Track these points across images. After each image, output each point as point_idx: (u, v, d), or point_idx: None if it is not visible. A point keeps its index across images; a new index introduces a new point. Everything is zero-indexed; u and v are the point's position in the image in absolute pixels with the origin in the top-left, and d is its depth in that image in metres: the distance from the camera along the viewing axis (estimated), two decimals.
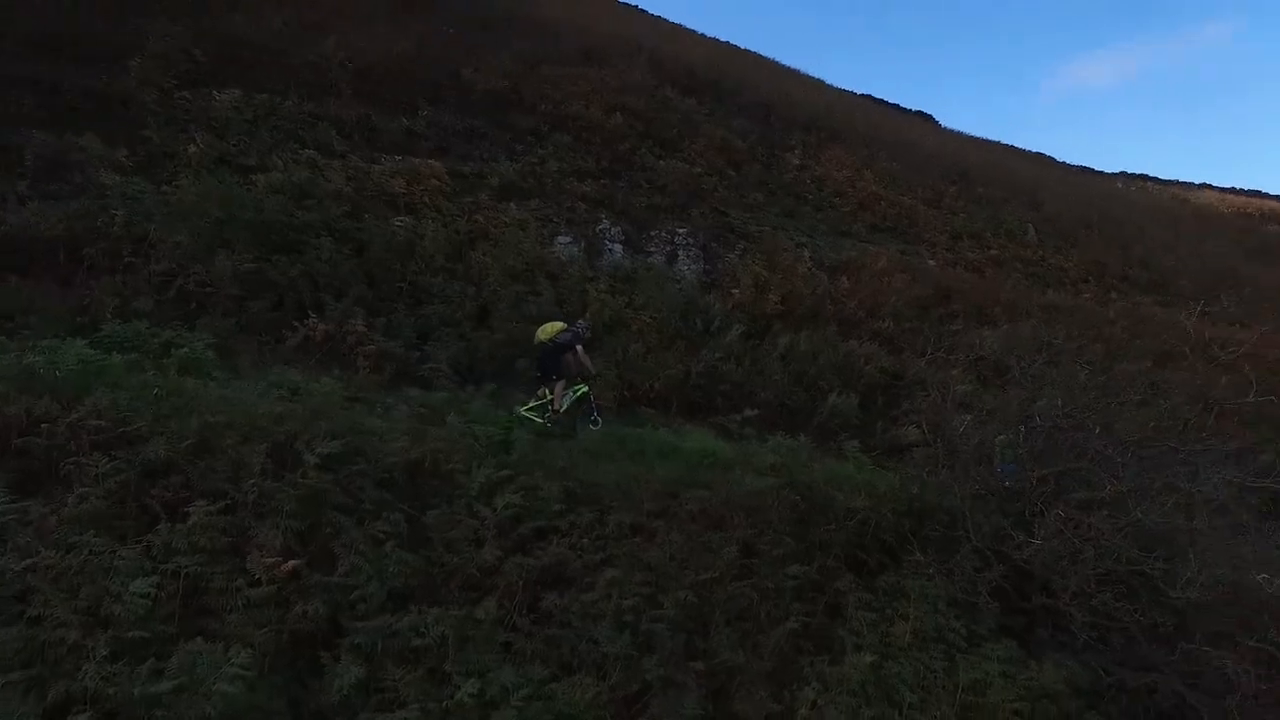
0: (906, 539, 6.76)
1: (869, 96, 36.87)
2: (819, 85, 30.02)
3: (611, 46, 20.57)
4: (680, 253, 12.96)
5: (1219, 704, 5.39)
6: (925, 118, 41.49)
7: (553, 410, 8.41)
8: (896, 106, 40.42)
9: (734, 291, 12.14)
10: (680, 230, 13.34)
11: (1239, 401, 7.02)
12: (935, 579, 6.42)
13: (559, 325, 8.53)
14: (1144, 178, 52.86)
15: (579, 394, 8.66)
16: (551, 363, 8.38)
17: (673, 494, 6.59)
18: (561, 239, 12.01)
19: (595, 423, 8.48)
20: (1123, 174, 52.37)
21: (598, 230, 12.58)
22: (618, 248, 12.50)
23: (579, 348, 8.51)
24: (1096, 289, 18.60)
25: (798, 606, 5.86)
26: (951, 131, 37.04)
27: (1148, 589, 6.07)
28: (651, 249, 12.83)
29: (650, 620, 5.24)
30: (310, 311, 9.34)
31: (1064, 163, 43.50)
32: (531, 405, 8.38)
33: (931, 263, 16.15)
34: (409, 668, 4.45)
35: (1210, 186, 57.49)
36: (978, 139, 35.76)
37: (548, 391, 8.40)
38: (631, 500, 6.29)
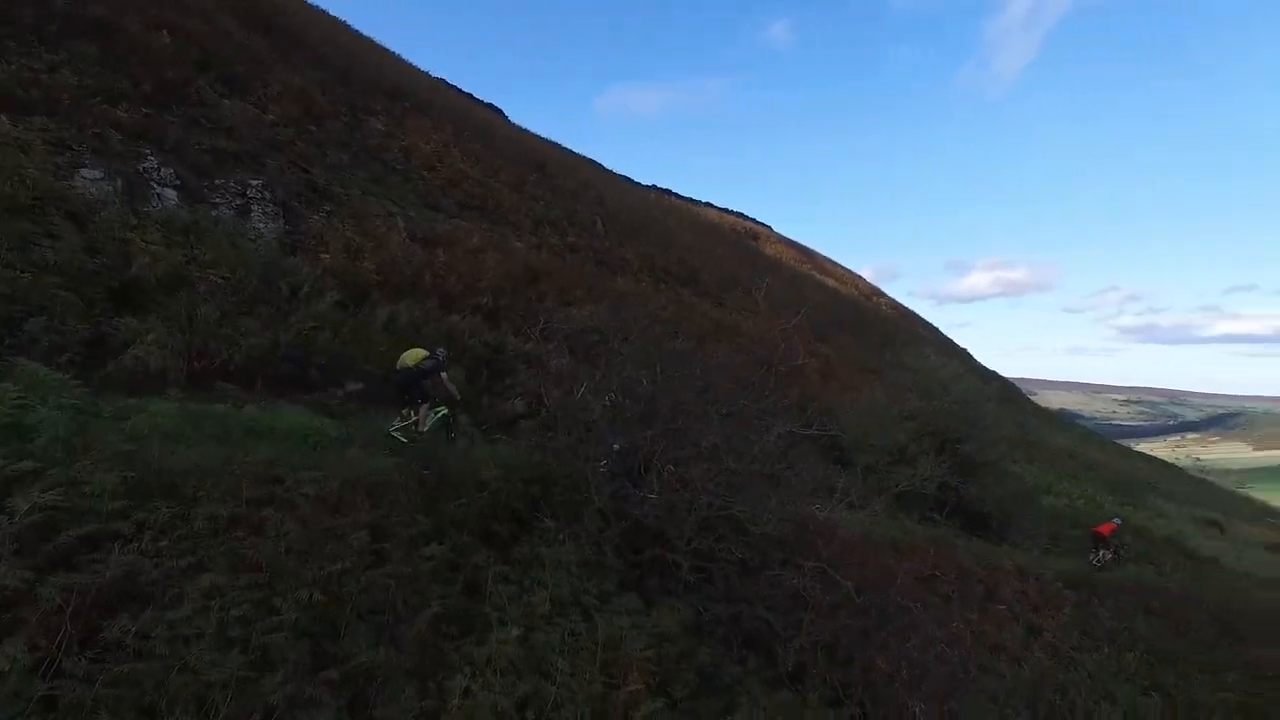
0: (536, 506, 6.69)
1: (443, 80, 36.70)
2: (396, 59, 28.78)
3: None
4: (255, 207, 11.01)
5: (794, 618, 6.39)
6: (495, 111, 42.85)
7: (417, 431, 8.57)
8: (470, 96, 40.95)
9: (323, 255, 10.76)
10: (254, 182, 11.35)
11: (791, 365, 8.47)
12: (566, 543, 6.48)
13: (422, 353, 8.73)
14: (669, 192, 63.00)
15: (440, 415, 8.96)
16: (416, 388, 8.64)
17: (277, 479, 5.46)
18: (87, 172, 9.22)
19: (454, 440, 8.87)
20: (654, 187, 61.47)
21: (142, 169, 9.96)
22: (170, 193, 10.07)
23: (443, 374, 8.83)
24: (650, 280, 21.33)
25: (436, 589, 5.33)
26: (520, 128, 38.90)
27: (737, 530, 6.94)
28: (217, 199, 10.64)
29: (266, 631, 4.20)
30: None
31: (611, 170, 49.02)
32: (398, 426, 8.49)
33: (519, 245, 16.62)
34: None
35: (712, 205, 71.02)
36: (544, 138, 38.24)
37: (412, 413, 8.64)
38: (224, 488, 5.01)
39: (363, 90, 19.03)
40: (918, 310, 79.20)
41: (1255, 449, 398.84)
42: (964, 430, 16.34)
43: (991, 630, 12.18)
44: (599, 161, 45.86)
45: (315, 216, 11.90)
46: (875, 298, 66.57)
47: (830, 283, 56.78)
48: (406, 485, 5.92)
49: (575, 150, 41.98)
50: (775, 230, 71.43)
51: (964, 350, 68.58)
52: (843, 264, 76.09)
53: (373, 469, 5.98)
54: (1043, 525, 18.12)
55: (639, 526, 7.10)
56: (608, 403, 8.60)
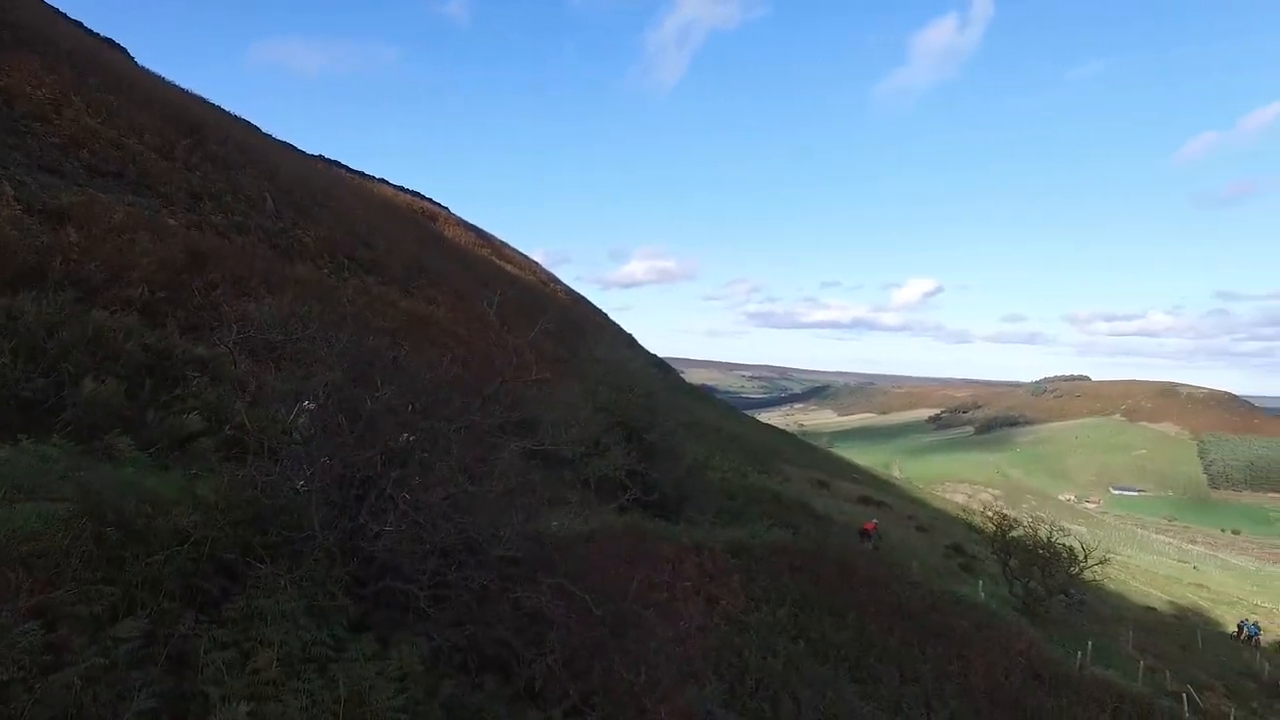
0: (250, 552, 5.81)
1: (60, 11, 29.50)
2: None
3: None
4: None
5: (535, 635, 6.44)
6: (116, 48, 35.69)
7: None
8: (79, 24, 33.50)
9: None
10: None
11: (524, 380, 8.43)
12: (288, 589, 5.73)
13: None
14: (339, 164, 58.13)
15: None
16: None
17: None
18: None
19: None
20: (321, 157, 56.33)
21: None
22: None
23: None
24: (332, 266, 19.55)
25: (137, 676, 4.36)
26: (151, 73, 32.94)
27: (476, 554, 6.77)
28: None
29: None
30: None
31: (270, 135, 43.91)
32: None
33: (174, 223, 14.05)
34: None
35: (387, 182, 67.35)
36: (196, 95, 32.76)
37: None
38: None
39: None
40: (588, 295, 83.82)
41: (839, 415, 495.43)
42: (648, 420, 17.83)
43: (680, 605, 13.55)
44: (254, 124, 40.51)
45: None
46: (551, 284, 68.96)
47: (510, 269, 57.43)
48: (80, 547, 4.74)
49: (229, 110, 36.50)
50: (453, 212, 70.02)
51: (630, 335, 74.43)
52: (519, 249, 77.43)
53: (25, 530, 4.68)
54: (711, 500, 20.52)
55: (367, 559, 6.57)
56: (315, 420, 7.80)
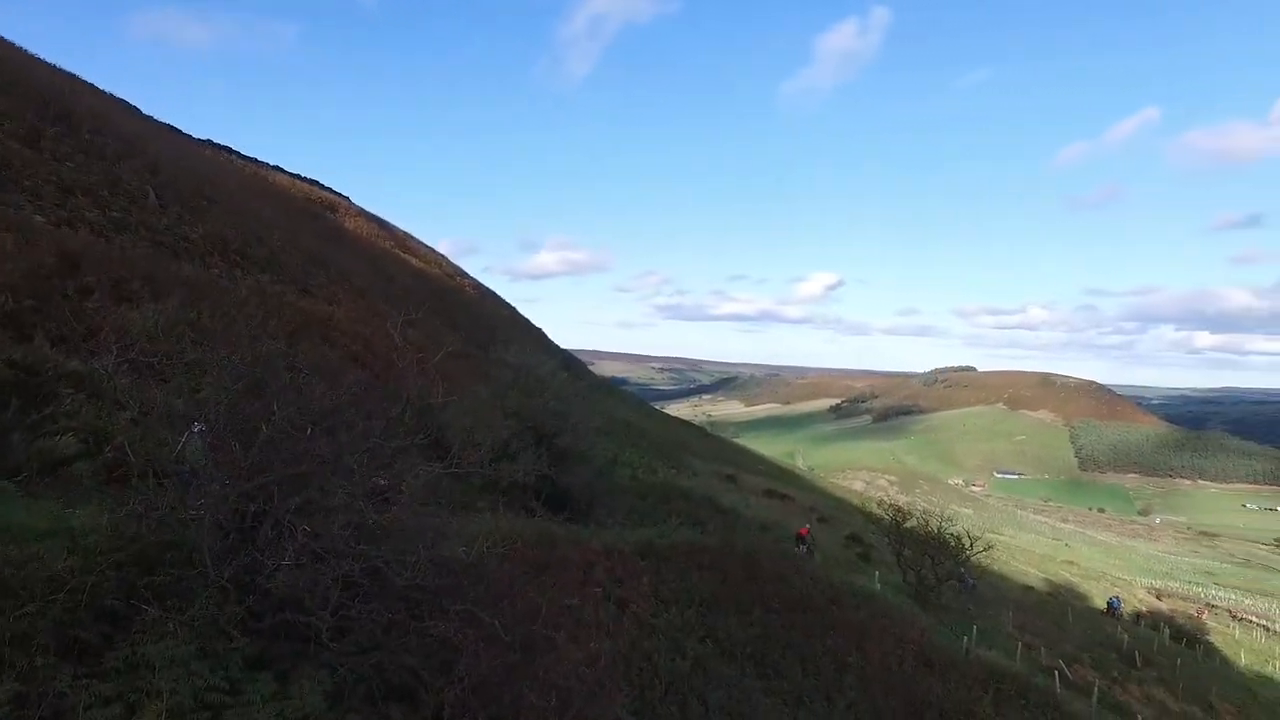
0: (136, 595, 5.48)
1: None
2: None
3: None
4: None
5: (442, 661, 6.34)
6: None
7: None
8: None
9: None
10: None
11: (437, 401, 8.24)
12: (178, 633, 5.44)
13: None
14: (229, 150, 54.93)
15: None
16: None
17: None
18: None
19: None
20: (210, 142, 53.14)
21: None
22: None
23: None
24: (223, 264, 18.50)
25: None
26: (12, 45, 30.17)
27: (381, 585, 6.60)
28: None
29: None
30: None
31: (153, 118, 41.14)
32: None
33: (41, 220, 12.96)
34: None
35: (283, 170, 64.19)
36: (53, 66, 30.10)
37: None
38: None
39: None
40: (496, 288, 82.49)
41: (746, 405, 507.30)
42: (559, 424, 17.79)
43: (590, 611, 13.60)
44: (137, 106, 37.69)
45: None
46: (459, 278, 67.48)
47: (414, 262, 55.83)
48: None
49: (106, 91, 33.73)
50: (353, 202, 67.34)
51: (540, 330, 73.87)
52: (424, 241, 75.36)
53: None
54: (621, 501, 20.67)
55: (262, 593, 6.31)
56: (206, 444, 7.42)
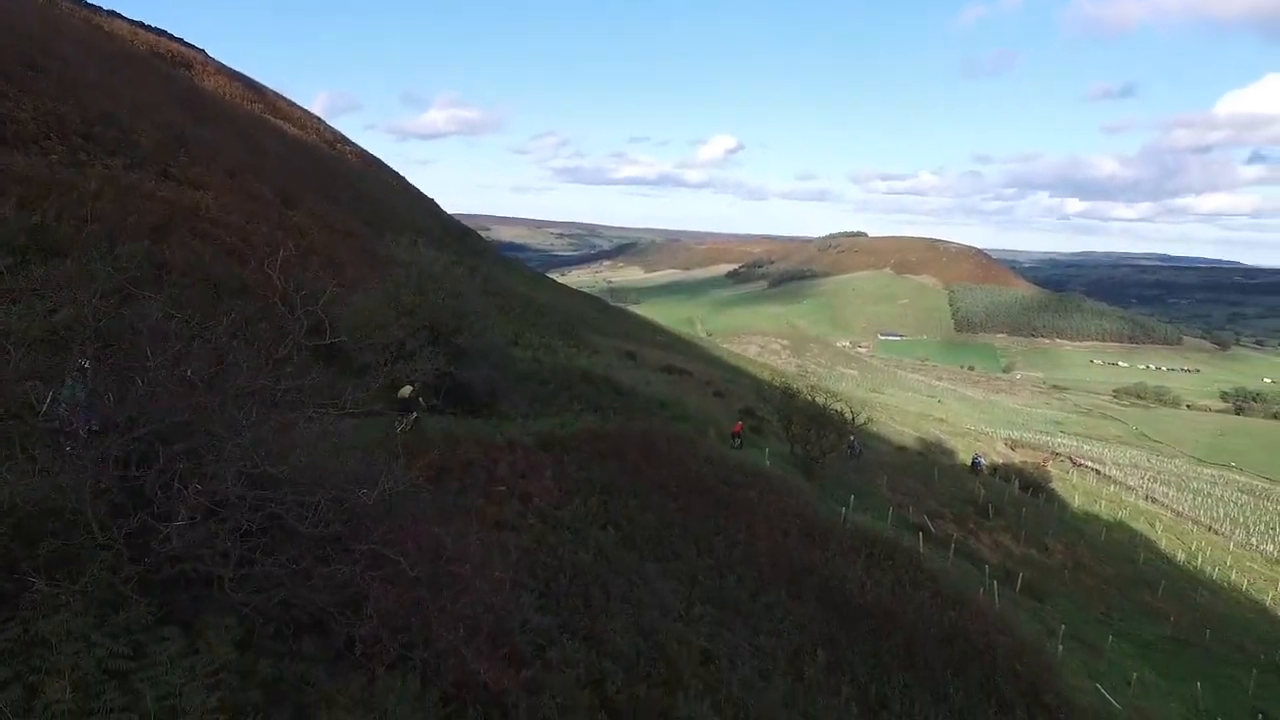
0: (19, 570, 5.33)
1: None
2: None
3: None
4: None
5: (358, 605, 6.55)
6: None
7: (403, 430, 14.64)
8: None
9: None
10: None
11: (316, 342, 7.91)
12: (72, 604, 5.37)
13: (410, 387, 15.51)
14: None
15: (415, 420, 15.53)
16: (404, 409, 15.37)
17: None
18: None
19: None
20: None
21: None
22: None
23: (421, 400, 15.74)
24: (64, 150, 16.51)
25: None
26: None
27: (284, 530, 6.63)
28: None
29: None
30: None
31: None
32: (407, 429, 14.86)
33: None
34: None
35: (121, 16, 56.33)
36: None
37: (407, 423, 15.15)
38: None
39: None
40: (381, 149, 77.25)
41: (646, 271, 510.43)
42: (456, 322, 17.50)
43: (494, 510, 14.08)
44: None
45: None
46: (340, 145, 62.75)
47: (289, 129, 51.29)
48: None
49: None
50: (210, 56, 60.10)
51: (431, 201, 70.55)
52: (298, 103, 68.95)
53: None
54: (523, 392, 20.92)
55: (159, 550, 6.23)
56: (80, 402, 6.99)
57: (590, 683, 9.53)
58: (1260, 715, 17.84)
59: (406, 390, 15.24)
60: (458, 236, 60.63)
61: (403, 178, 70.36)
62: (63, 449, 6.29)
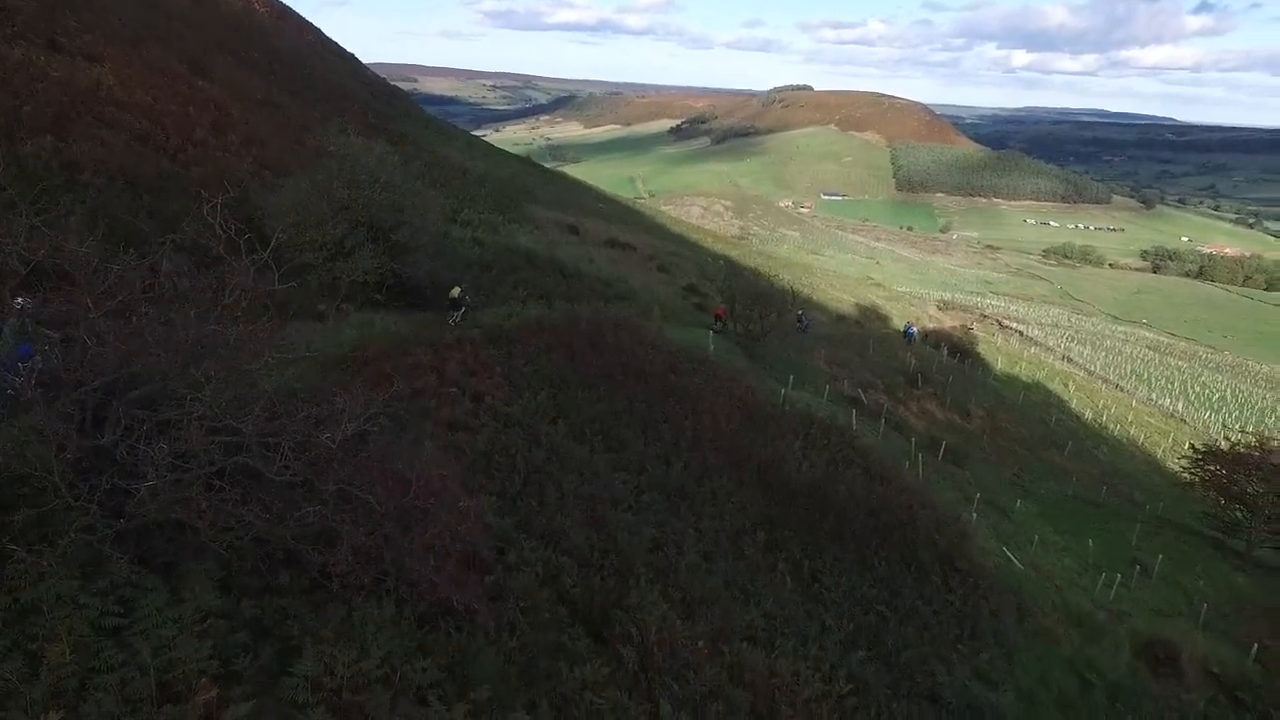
0: None
1: None
2: None
3: None
4: None
5: (330, 541, 6.93)
6: None
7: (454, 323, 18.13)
8: None
9: None
10: None
11: (269, 289, 7.76)
12: (57, 570, 5.60)
13: (459, 288, 19.39)
14: None
15: (464, 313, 19.14)
16: (454, 305, 18.90)
17: None
18: None
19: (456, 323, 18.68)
20: None
21: None
22: None
23: (467, 297, 19.81)
24: None
25: None
26: None
27: (252, 477, 6.85)
28: None
29: None
30: None
31: None
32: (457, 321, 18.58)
33: None
34: None
35: None
36: None
37: (456, 316, 18.77)
38: None
39: None
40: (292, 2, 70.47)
41: (585, 127, 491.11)
42: (395, 218, 17.00)
43: (447, 411, 14.43)
44: None
45: None
46: None
47: None
48: None
49: None
50: None
51: (352, 57, 65.53)
52: None
53: None
54: (464, 280, 20.74)
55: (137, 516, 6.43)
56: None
57: (548, 578, 10.30)
58: (1138, 565, 20.32)
59: (456, 291, 19.23)
60: (385, 99, 57.04)
61: (319, 30, 64.73)
62: (16, 413, 6.29)
